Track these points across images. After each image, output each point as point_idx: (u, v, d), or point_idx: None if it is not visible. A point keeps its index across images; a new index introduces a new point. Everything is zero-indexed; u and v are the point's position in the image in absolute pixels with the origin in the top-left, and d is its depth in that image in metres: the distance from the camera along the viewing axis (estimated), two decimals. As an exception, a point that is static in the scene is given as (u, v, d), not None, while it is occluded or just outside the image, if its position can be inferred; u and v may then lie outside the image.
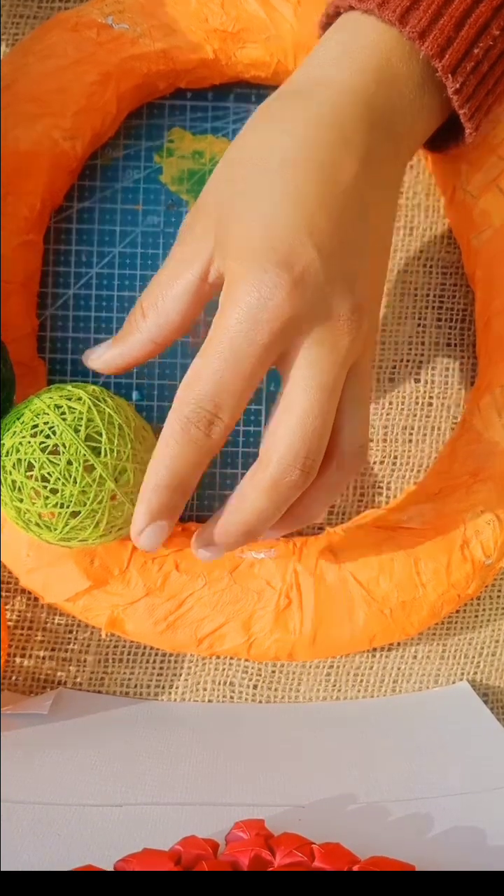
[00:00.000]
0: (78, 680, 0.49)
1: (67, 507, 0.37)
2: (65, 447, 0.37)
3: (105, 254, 0.48)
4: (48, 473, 0.37)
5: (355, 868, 0.32)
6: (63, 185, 0.45)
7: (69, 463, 0.37)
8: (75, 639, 0.49)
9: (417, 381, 0.49)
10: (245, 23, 0.43)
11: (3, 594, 0.48)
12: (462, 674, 0.50)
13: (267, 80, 0.45)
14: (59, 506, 0.38)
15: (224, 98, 0.48)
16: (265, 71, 0.45)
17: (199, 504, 0.49)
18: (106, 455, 0.38)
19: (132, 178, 0.48)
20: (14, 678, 0.49)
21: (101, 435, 0.38)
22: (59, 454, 0.37)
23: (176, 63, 0.44)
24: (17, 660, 0.49)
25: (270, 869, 0.32)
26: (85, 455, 0.37)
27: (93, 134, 0.45)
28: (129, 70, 0.44)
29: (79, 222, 0.48)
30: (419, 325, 0.49)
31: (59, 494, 0.37)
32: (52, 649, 0.49)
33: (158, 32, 0.43)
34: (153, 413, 0.49)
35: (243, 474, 0.49)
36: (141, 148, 0.48)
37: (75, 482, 0.37)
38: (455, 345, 0.49)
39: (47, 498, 0.37)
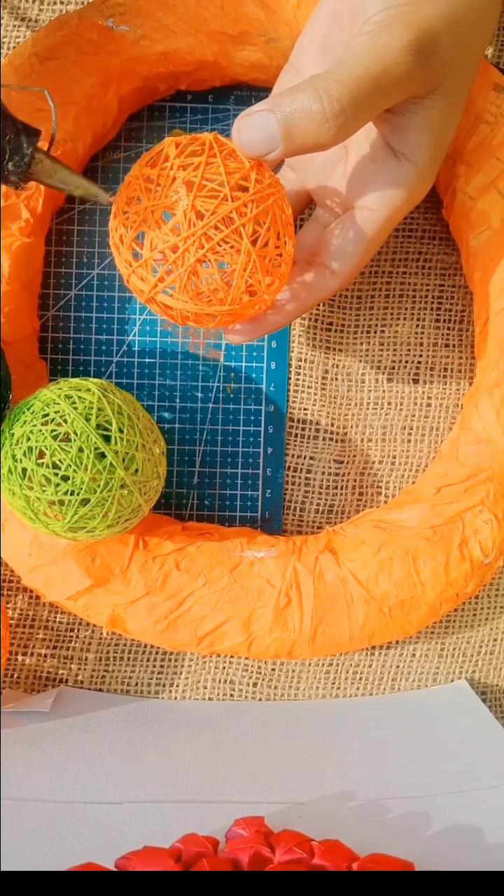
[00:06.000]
0: (79, 678, 0.49)
1: (78, 494, 0.38)
2: (76, 435, 0.38)
3: (106, 255, 0.48)
4: (59, 461, 0.38)
5: (354, 865, 0.32)
6: (64, 187, 0.46)
7: (80, 450, 0.38)
8: (76, 637, 0.49)
9: (416, 381, 0.50)
10: (244, 25, 0.43)
11: (5, 592, 0.48)
12: (460, 672, 0.51)
13: (266, 82, 0.45)
14: (69, 493, 0.38)
15: (224, 100, 0.48)
16: (265, 73, 0.45)
17: (199, 504, 0.49)
18: (116, 443, 0.38)
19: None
20: (15, 676, 0.49)
21: (110, 424, 0.38)
22: (71, 441, 0.38)
23: (176, 65, 0.44)
24: (19, 658, 0.49)
25: (270, 866, 0.32)
26: (96, 442, 0.38)
27: (94, 136, 0.45)
28: (130, 72, 0.44)
29: (80, 224, 0.48)
30: (418, 325, 0.49)
31: (69, 482, 0.38)
32: (54, 647, 0.49)
33: (159, 35, 0.44)
34: (153, 414, 0.49)
35: (243, 474, 0.49)
36: (142, 149, 0.48)
37: (86, 469, 0.38)
38: (454, 346, 0.50)
39: (58, 485, 0.38)
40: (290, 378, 0.49)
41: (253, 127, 0.35)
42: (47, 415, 0.38)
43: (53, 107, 0.37)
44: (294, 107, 0.34)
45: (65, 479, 0.38)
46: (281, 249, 0.37)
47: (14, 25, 0.47)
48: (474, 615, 0.50)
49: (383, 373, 0.49)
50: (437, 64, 0.36)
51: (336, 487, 0.50)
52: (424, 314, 0.50)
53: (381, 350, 0.49)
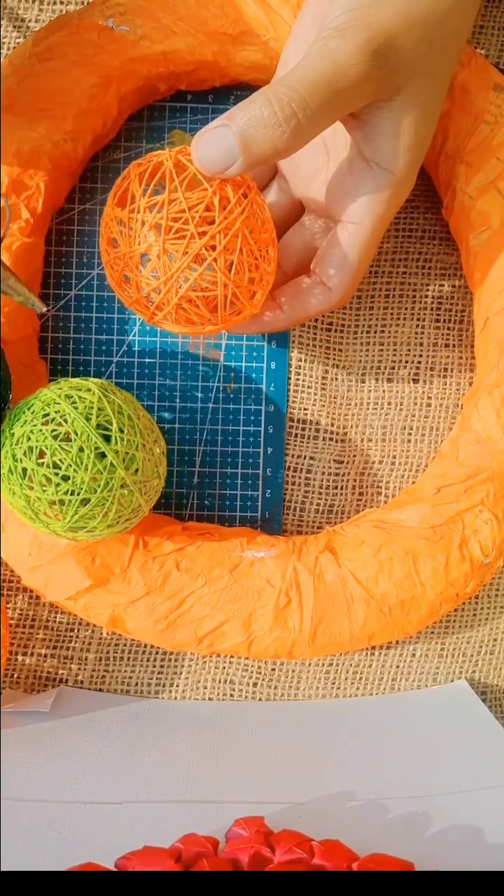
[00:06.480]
0: (79, 678, 0.49)
1: (78, 494, 0.38)
2: (76, 434, 0.38)
3: (106, 255, 0.48)
4: (60, 460, 0.38)
5: (354, 865, 0.32)
6: (64, 187, 0.46)
7: (81, 450, 0.38)
8: (76, 637, 0.49)
9: (416, 381, 0.50)
10: (244, 25, 0.43)
11: (5, 592, 0.48)
12: (460, 672, 0.51)
13: (266, 82, 0.45)
14: (69, 493, 0.38)
15: (224, 100, 0.48)
16: (265, 73, 0.45)
17: (199, 504, 0.49)
18: (116, 443, 0.38)
19: (133, 179, 0.48)
20: (15, 676, 0.49)
21: (111, 424, 0.38)
22: (71, 441, 0.38)
23: (176, 65, 0.44)
24: (19, 658, 0.49)
25: (270, 866, 0.32)
26: (96, 442, 0.38)
27: (94, 136, 0.45)
28: (130, 72, 0.44)
29: (80, 224, 0.48)
30: (418, 326, 0.49)
31: (70, 481, 0.38)
32: (54, 647, 0.49)
33: (159, 34, 0.44)
34: (153, 414, 0.49)
35: (243, 474, 0.49)
36: (142, 150, 0.48)
37: (87, 469, 0.38)
38: (454, 346, 0.50)
39: (58, 485, 0.38)
40: (290, 378, 0.49)
41: (210, 145, 0.35)
42: (48, 414, 0.38)
43: (7, 207, 0.41)
44: (248, 117, 0.34)
45: (65, 478, 0.38)
46: (259, 262, 0.38)
47: (14, 26, 0.47)
48: (474, 615, 0.50)
49: (383, 373, 0.50)
50: (397, 63, 0.35)
51: (336, 487, 0.50)
52: (424, 314, 0.50)
53: (381, 350, 0.49)
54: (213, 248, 0.36)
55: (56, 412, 0.38)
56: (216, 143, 0.35)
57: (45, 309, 0.39)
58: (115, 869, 0.32)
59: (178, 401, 0.49)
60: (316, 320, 0.49)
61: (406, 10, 0.35)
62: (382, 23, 0.35)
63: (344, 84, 0.34)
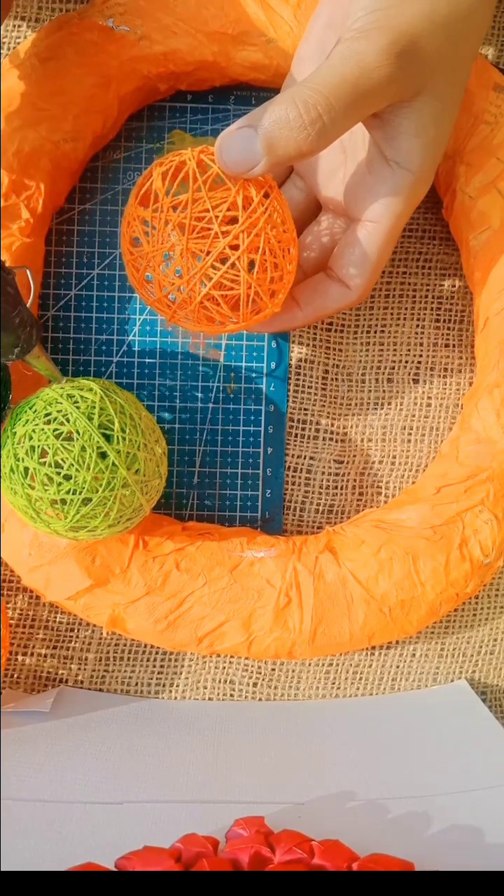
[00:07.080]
0: (79, 678, 0.49)
1: (80, 493, 0.38)
2: (78, 434, 0.38)
3: (106, 255, 0.48)
4: (62, 460, 0.38)
5: (354, 865, 0.32)
6: (64, 187, 0.46)
7: (83, 449, 0.38)
8: (76, 637, 0.49)
9: (416, 381, 0.50)
10: (245, 25, 0.43)
11: (5, 592, 0.48)
12: (460, 672, 0.51)
13: (266, 82, 0.45)
14: (71, 492, 0.38)
15: (224, 100, 0.48)
16: (265, 73, 0.45)
17: (199, 504, 0.49)
18: (118, 443, 0.38)
19: (133, 179, 0.48)
20: (15, 676, 0.49)
21: (113, 423, 0.39)
22: (73, 441, 0.38)
23: (176, 65, 0.44)
24: (19, 658, 0.49)
25: (270, 866, 0.32)
26: (98, 442, 0.38)
27: (94, 136, 0.45)
28: (130, 72, 0.44)
29: (80, 224, 0.48)
30: (418, 325, 0.49)
31: (72, 481, 0.38)
32: (54, 647, 0.49)
33: (159, 35, 0.44)
34: (153, 414, 0.49)
35: (243, 474, 0.49)
36: (142, 150, 0.48)
37: (88, 468, 0.38)
38: (454, 346, 0.50)
39: (60, 484, 0.38)
40: (290, 378, 0.49)
41: (234, 145, 0.35)
42: (49, 414, 0.38)
43: (32, 283, 0.42)
44: (272, 119, 0.34)
45: (67, 478, 0.38)
46: (279, 262, 0.38)
47: (14, 25, 0.47)
48: (474, 615, 0.50)
49: (383, 373, 0.49)
50: (419, 65, 0.36)
51: (336, 487, 0.50)
52: (424, 314, 0.50)
53: (381, 350, 0.49)
54: (236, 247, 0.36)
55: (58, 411, 0.38)
56: (240, 143, 0.35)
57: (63, 382, 0.40)
58: (115, 869, 0.32)
59: (178, 401, 0.49)
60: (316, 320, 0.49)
61: (428, 11, 0.35)
62: (405, 24, 0.35)
63: (368, 86, 0.34)
